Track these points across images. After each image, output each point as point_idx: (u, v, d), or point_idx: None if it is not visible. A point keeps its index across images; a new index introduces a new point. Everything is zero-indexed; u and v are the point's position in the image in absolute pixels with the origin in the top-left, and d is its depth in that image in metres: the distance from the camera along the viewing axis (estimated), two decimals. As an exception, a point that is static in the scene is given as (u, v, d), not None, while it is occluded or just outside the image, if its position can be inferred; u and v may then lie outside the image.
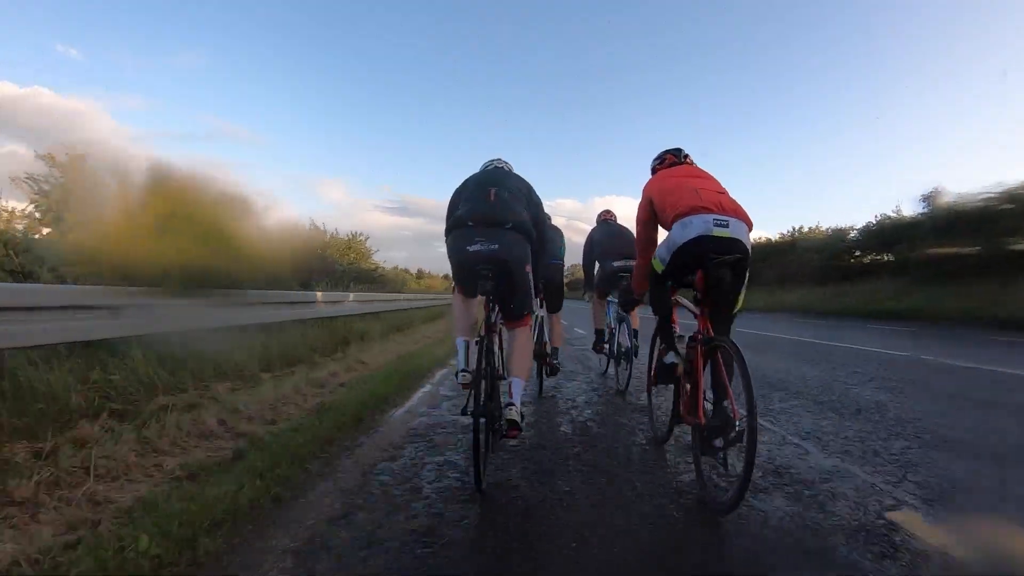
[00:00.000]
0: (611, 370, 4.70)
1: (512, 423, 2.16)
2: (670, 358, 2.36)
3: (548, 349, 4.13)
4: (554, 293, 4.18)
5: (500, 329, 2.63)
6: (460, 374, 2.30)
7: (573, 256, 4.73)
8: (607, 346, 4.53)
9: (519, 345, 2.45)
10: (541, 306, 4.17)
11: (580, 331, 9.76)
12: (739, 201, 2.22)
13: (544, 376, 4.17)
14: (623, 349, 4.17)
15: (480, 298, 2.45)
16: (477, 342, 2.25)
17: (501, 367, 2.55)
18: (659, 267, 2.34)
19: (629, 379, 4.11)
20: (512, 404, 2.20)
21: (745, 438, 1.76)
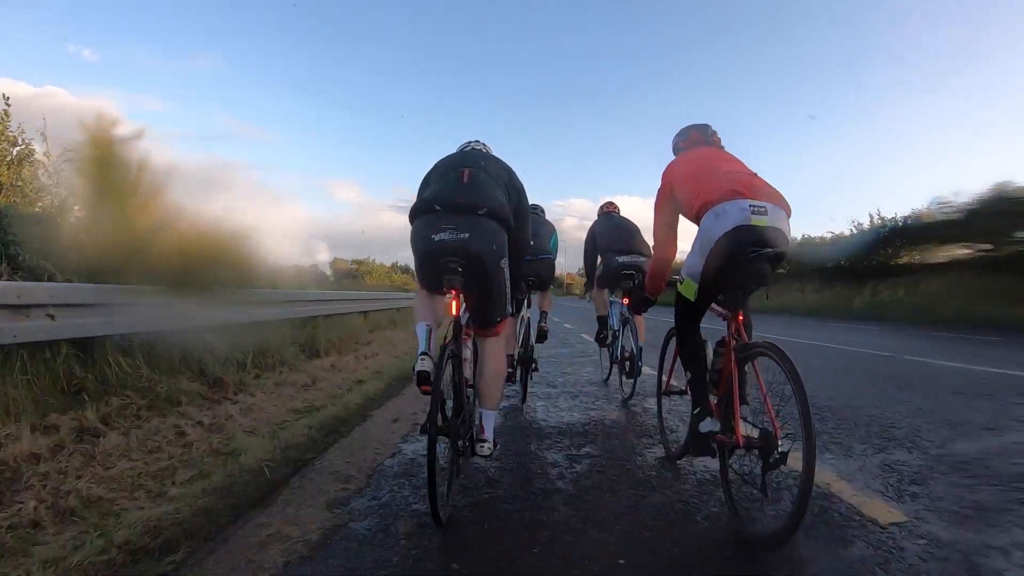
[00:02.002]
0: (613, 376, 4.44)
1: (484, 458, 2.06)
2: (707, 425, 1.94)
3: (534, 354, 3.92)
4: (543, 286, 4.04)
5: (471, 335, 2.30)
6: (419, 359, 1.88)
7: (579, 257, 4.50)
8: (608, 337, 4.27)
9: (490, 365, 2.11)
10: (528, 307, 3.92)
11: (568, 326, 9.51)
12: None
13: (529, 381, 3.90)
14: (627, 354, 3.90)
15: (447, 294, 2.04)
16: (442, 348, 1.92)
17: (472, 375, 2.20)
18: (691, 290, 1.96)
19: (634, 388, 3.82)
20: (484, 440, 2.03)
21: (801, 459, 1.48)
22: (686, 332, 2.09)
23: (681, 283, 2.02)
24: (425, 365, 1.86)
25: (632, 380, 3.81)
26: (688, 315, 2.06)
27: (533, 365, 3.93)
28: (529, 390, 3.92)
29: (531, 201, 2.61)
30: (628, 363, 3.89)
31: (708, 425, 1.94)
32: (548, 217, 4.22)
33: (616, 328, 4.16)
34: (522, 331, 3.82)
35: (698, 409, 2.01)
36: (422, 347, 1.96)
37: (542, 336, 4.03)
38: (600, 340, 4.39)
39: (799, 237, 21.60)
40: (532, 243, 3.62)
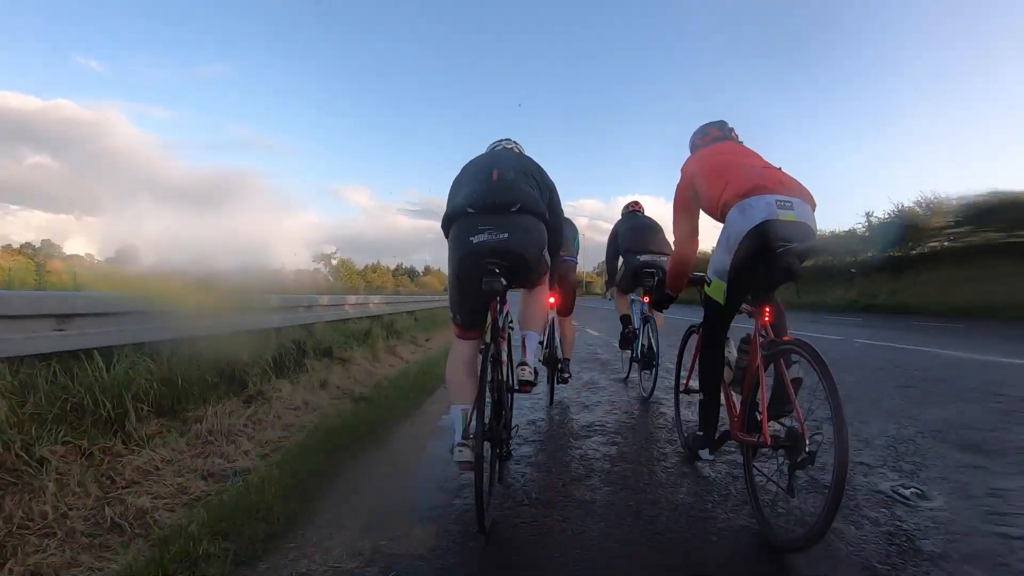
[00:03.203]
0: (633, 375, 4.38)
1: (525, 383, 2.00)
2: (704, 454, 2.15)
3: (560, 355, 3.82)
4: (566, 293, 3.86)
5: (508, 335, 2.31)
6: (456, 449, 1.78)
7: (597, 255, 4.46)
8: (632, 340, 4.15)
9: (535, 299, 2.19)
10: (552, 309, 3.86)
11: (593, 332, 9.49)
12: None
13: (555, 383, 3.84)
14: (647, 352, 3.85)
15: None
16: (482, 350, 1.90)
17: (511, 379, 2.19)
18: (719, 292, 1.90)
19: (654, 386, 3.78)
20: (525, 364, 2.01)
21: (834, 460, 1.44)
22: (711, 342, 2.02)
23: (708, 285, 1.96)
24: (463, 456, 1.76)
25: (652, 378, 3.77)
26: (717, 321, 1.99)
27: (567, 374, 3.80)
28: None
29: None
30: (648, 362, 3.86)
31: (705, 455, 2.10)
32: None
33: (636, 326, 4.11)
34: (547, 331, 3.79)
35: (701, 432, 2.07)
36: (458, 437, 1.84)
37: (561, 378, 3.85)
38: (624, 341, 4.23)
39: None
40: None
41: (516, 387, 2.04)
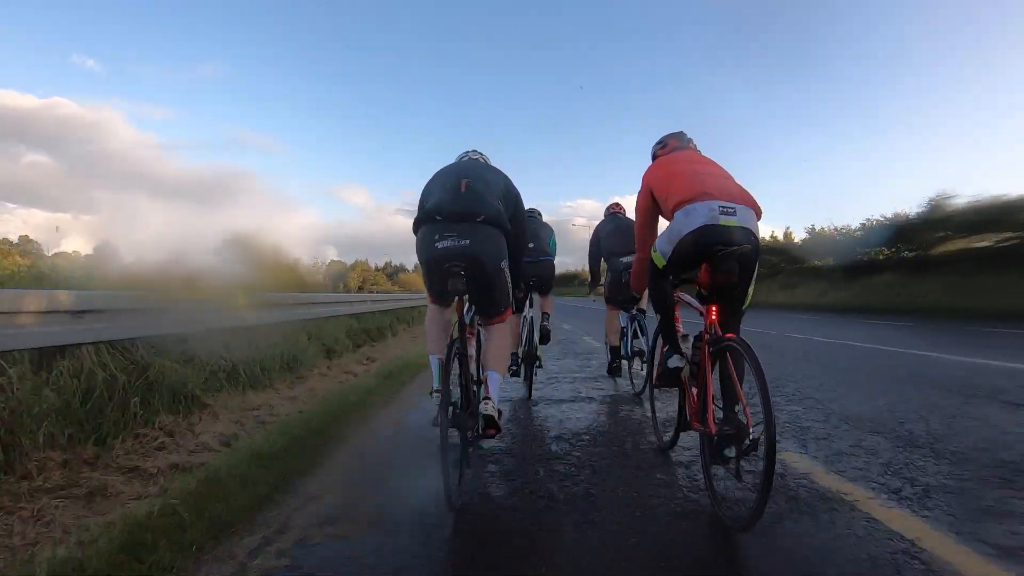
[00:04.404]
0: (624, 371, 4.50)
1: (489, 420, 2.07)
2: (674, 361, 2.17)
3: (539, 352, 4.00)
4: (545, 287, 4.10)
5: (477, 331, 2.47)
6: (435, 394, 2.07)
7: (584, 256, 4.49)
8: (619, 367, 4.35)
9: (496, 339, 2.34)
10: (530, 306, 4.03)
11: (566, 327, 9.61)
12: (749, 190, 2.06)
13: (533, 378, 4.01)
14: (636, 349, 4.00)
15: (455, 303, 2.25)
16: (448, 346, 2.08)
17: (477, 373, 2.38)
18: (660, 261, 2.15)
19: (646, 381, 3.90)
20: (488, 399, 2.12)
21: (763, 448, 1.59)
22: (655, 285, 2.24)
23: (654, 251, 2.18)
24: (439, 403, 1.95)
25: (643, 373, 3.89)
26: (656, 275, 2.20)
27: (538, 362, 4.00)
28: (535, 386, 4.03)
29: (531, 204, 2.74)
30: (637, 358, 3.99)
31: (675, 361, 2.16)
32: (554, 218, 4.40)
33: (624, 324, 4.23)
34: (525, 330, 3.94)
35: (667, 347, 2.21)
36: (436, 384, 2.11)
37: (545, 337, 4.09)
38: (611, 372, 4.41)
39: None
40: (532, 245, 3.75)
41: (481, 430, 2.12)
